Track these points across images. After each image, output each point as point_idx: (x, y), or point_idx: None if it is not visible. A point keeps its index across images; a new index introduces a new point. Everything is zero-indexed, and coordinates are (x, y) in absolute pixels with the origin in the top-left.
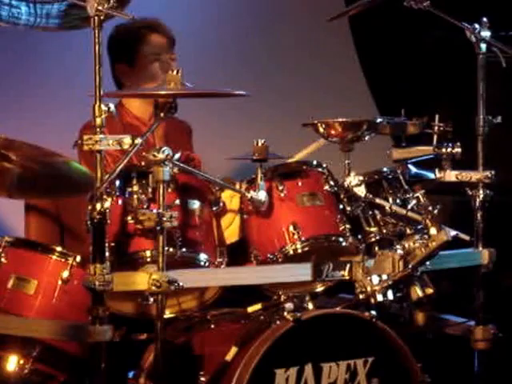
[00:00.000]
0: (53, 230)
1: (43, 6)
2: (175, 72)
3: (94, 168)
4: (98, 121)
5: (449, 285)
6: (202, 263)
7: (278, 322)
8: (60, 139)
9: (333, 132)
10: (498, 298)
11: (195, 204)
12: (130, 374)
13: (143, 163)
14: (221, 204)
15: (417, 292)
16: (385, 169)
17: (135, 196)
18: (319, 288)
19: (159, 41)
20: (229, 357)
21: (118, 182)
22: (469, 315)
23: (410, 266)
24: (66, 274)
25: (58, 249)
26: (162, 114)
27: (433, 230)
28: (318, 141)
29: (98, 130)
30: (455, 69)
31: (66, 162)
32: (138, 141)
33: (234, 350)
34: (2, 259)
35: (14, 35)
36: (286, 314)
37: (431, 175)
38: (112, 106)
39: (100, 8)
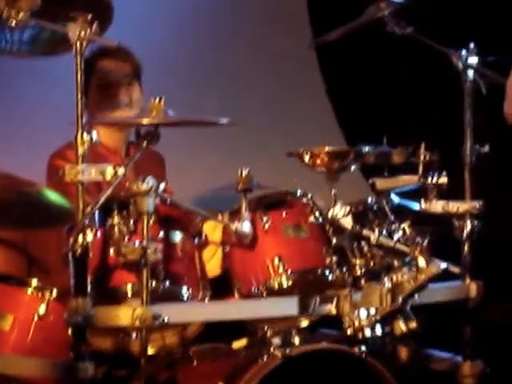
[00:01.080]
0: (20, 263)
1: (14, 31)
2: (157, 100)
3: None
4: (81, 150)
5: (432, 319)
6: (185, 297)
7: (265, 359)
8: (31, 167)
9: (318, 161)
10: (485, 333)
11: (177, 236)
12: None
13: (123, 194)
14: (203, 236)
15: (400, 326)
16: (369, 199)
17: (116, 228)
18: (304, 322)
19: (108, 65)
20: None
21: (96, 214)
22: (455, 350)
23: (399, 300)
24: (42, 308)
25: (34, 282)
26: (144, 144)
27: (422, 263)
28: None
29: (80, 159)
30: (437, 96)
31: (40, 192)
32: (121, 171)
33: None
34: None
35: None
36: (273, 350)
37: (415, 206)
38: (95, 136)
39: (82, 34)
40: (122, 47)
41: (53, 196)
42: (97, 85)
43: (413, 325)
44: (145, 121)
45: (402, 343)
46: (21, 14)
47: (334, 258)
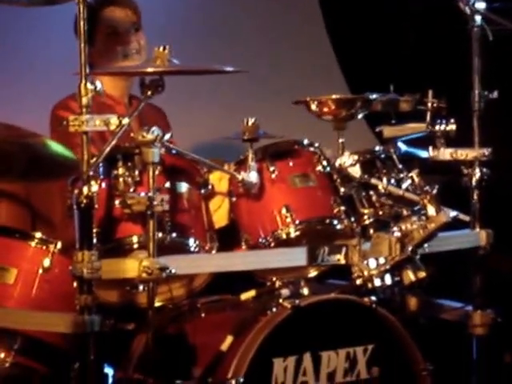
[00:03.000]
0: (24, 216)
1: None
2: (162, 48)
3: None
4: (85, 100)
5: (442, 268)
6: (192, 248)
7: (274, 310)
8: (35, 118)
9: (325, 110)
10: (495, 283)
11: (183, 187)
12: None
13: (128, 144)
14: (209, 186)
15: (409, 276)
16: (377, 147)
17: (121, 179)
18: (312, 273)
19: (115, 13)
20: (224, 346)
21: (101, 165)
22: (465, 299)
23: (408, 249)
24: (47, 261)
25: (38, 235)
26: (149, 93)
27: (431, 211)
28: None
29: (84, 109)
30: (445, 42)
31: (44, 143)
32: (126, 121)
33: (229, 339)
34: None
35: None
36: (282, 301)
37: (423, 153)
38: (99, 85)
39: None
40: None
41: (56, 147)
42: (106, 34)
43: (422, 274)
44: (150, 69)
45: (412, 293)
46: None
47: (343, 208)
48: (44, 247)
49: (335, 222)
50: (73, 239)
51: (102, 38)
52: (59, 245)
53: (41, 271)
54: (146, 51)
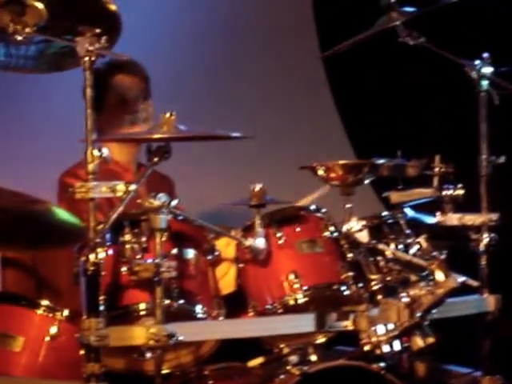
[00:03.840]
0: (30, 284)
1: (19, 47)
2: (168, 115)
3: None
4: (91, 167)
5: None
6: (200, 315)
7: (282, 377)
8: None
9: (333, 175)
10: (504, 348)
11: (190, 253)
12: None
13: (135, 211)
14: (216, 253)
15: (418, 342)
16: (384, 213)
17: (128, 246)
18: (320, 339)
19: (124, 81)
20: None
21: (108, 231)
22: (473, 365)
23: (417, 315)
24: (54, 329)
25: (44, 303)
26: (156, 159)
27: (440, 277)
28: (323, 187)
29: (91, 176)
30: (450, 107)
31: (50, 210)
32: (132, 187)
33: None
34: None
35: None
36: (290, 367)
37: (430, 219)
38: (106, 152)
39: (91, 48)
40: (133, 61)
41: (63, 214)
42: (114, 101)
43: (431, 340)
44: (156, 136)
45: (420, 359)
46: (27, 29)
47: (350, 274)
48: (51, 315)
49: (343, 287)
50: (79, 307)
51: (111, 106)
52: (66, 312)
53: (47, 339)
54: (153, 119)
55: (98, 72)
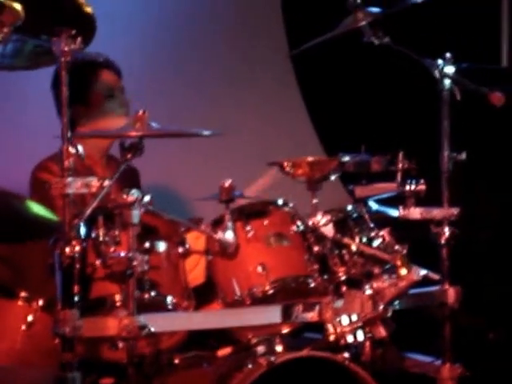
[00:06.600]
0: (6, 275)
1: None
2: (141, 112)
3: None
4: (67, 163)
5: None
6: (170, 306)
7: (250, 366)
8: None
9: (300, 171)
10: (461, 337)
11: (162, 246)
12: None
13: (109, 205)
14: (186, 245)
15: (380, 331)
16: (349, 207)
17: (101, 239)
18: (286, 329)
19: (111, 77)
20: None
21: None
22: (434, 354)
23: (380, 306)
24: (30, 318)
25: (23, 293)
26: (129, 156)
27: (402, 270)
28: (269, 172)
29: (66, 172)
30: (413, 104)
31: (23, 203)
32: (107, 183)
33: None
34: None
35: None
36: (258, 357)
37: (393, 212)
38: (81, 149)
39: (66, 49)
40: (110, 58)
41: (37, 208)
42: (103, 96)
43: (392, 329)
44: (130, 133)
45: (382, 348)
46: (4, 29)
47: (316, 266)
48: (27, 304)
49: (309, 280)
50: (53, 296)
51: (100, 100)
52: (41, 302)
53: (24, 327)
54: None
55: (82, 65)
